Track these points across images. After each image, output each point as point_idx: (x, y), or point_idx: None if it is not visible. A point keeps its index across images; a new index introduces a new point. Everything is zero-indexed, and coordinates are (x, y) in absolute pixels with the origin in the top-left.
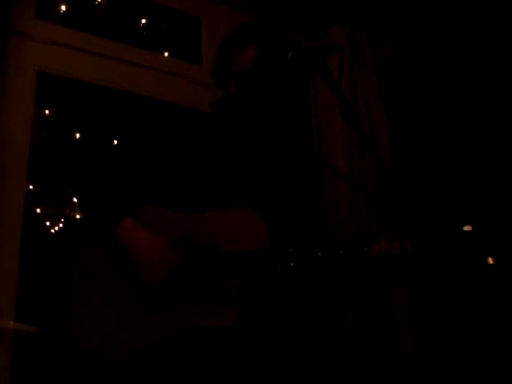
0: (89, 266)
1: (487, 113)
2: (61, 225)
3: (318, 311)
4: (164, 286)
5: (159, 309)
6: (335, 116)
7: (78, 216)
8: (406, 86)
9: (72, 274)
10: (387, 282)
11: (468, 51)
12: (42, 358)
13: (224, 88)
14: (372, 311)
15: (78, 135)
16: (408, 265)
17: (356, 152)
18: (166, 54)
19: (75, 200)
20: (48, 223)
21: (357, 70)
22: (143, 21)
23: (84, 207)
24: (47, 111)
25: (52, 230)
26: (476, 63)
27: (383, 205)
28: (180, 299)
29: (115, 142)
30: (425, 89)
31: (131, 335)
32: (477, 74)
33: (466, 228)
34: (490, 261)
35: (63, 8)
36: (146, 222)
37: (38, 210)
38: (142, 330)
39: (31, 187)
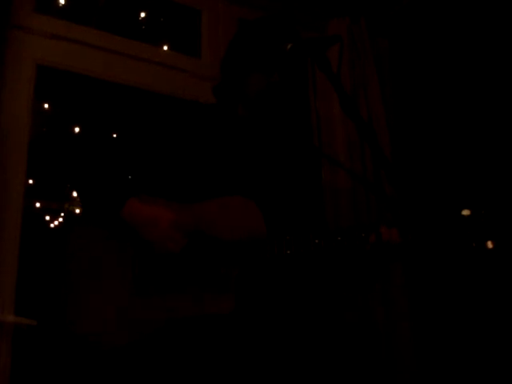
0: (86, 256)
1: (485, 103)
2: (60, 219)
3: (316, 301)
4: (176, 261)
5: (157, 296)
6: (335, 108)
7: (77, 210)
8: (405, 77)
9: (70, 265)
10: (382, 264)
11: (466, 42)
12: (42, 351)
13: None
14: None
15: (77, 129)
16: (404, 251)
17: (356, 144)
18: (166, 48)
19: (75, 193)
20: (48, 218)
21: (357, 61)
22: (142, 14)
23: (85, 193)
24: (46, 105)
25: (51, 225)
26: (474, 55)
27: (383, 195)
28: (178, 287)
29: (115, 135)
30: (424, 81)
31: (129, 323)
32: (475, 65)
33: (465, 212)
34: (490, 245)
35: (62, 1)
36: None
37: (38, 205)
38: (140, 319)
39: (30, 181)
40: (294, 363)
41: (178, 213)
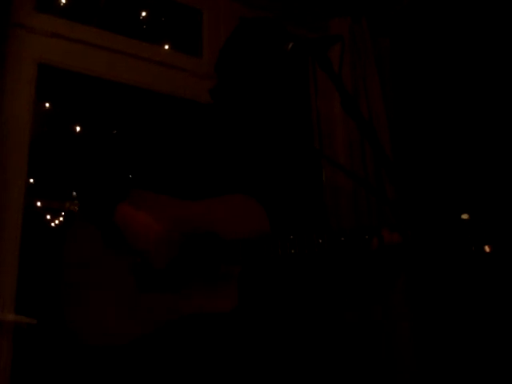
0: (84, 254)
1: (486, 104)
2: (61, 218)
3: (318, 301)
4: (163, 274)
5: (158, 295)
6: (336, 107)
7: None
8: (406, 76)
9: (67, 263)
10: (387, 273)
11: (467, 42)
12: (42, 350)
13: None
14: (371, 304)
15: (78, 128)
16: (407, 255)
17: (357, 143)
18: (167, 47)
19: (74, 192)
20: (48, 217)
21: (358, 61)
22: (143, 13)
23: (81, 195)
24: (47, 104)
25: (52, 224)
26: (475, 54)
27: (383, 196)
28: (179, 286)
29: (115, 134)
30: (425, 80)
31: (130, 322)
32: (476, 64)
33: (464, 216)
34: (487, 249)
35: (63, 0)
36: (143, 208)
37: (39, 204)
38: (141, 317)
39: (31, 181)
40: (295, 363)
41: (169, 222)
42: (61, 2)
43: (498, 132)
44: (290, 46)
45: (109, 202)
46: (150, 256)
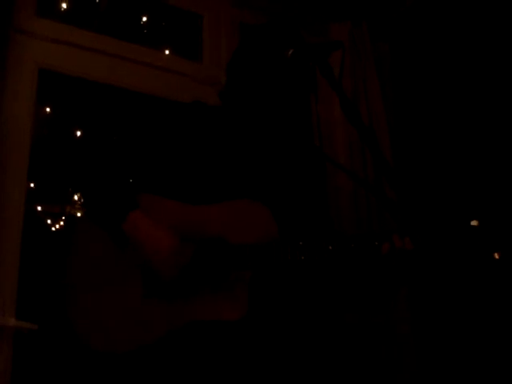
0: (88, 255)
1: (488, 108)
2: (62, 223)
3: (324, 308)
4: (174, 282)
5: (165, 301)
6: (335, 111)
7: (78, 214)
8: (406, 81)
9: (72, 265)
10: (396, 278)
11: (467, 47)
12: (43, 356)
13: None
14: (375, 311)
15: (78, 133)
16: (415, 261)
17: (357, 145)
18: (167, 52)
19: (76, 197)
20: (49, 221)
21: (358, 65)
22: (144, 18)
23: (89, 200)
24: (48, 109)
25: (53, 228)
26: (475, 59)
27: (384, 199)
28: (187, 292)
29: (116, 138)
30: (425, 84)
31: (136, 328)
32: (476, 69)
33: (473, 223)
34: (496, 256)
35: (64, 6)
36: (150, 212)
37: (39, 208)
38: (147, 323)
39: (32, 185)
40: (300, 366)
41: (176, 228)
42: (61, 7)
43: (503, 135)
44: (291, 52)
45: (120, 210)
46: (158, 270)
